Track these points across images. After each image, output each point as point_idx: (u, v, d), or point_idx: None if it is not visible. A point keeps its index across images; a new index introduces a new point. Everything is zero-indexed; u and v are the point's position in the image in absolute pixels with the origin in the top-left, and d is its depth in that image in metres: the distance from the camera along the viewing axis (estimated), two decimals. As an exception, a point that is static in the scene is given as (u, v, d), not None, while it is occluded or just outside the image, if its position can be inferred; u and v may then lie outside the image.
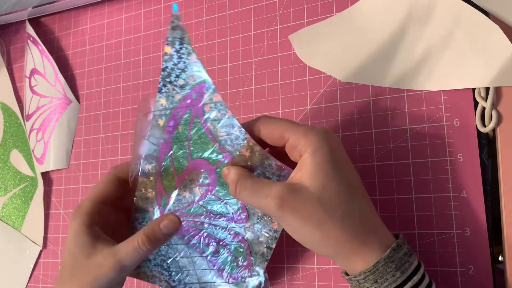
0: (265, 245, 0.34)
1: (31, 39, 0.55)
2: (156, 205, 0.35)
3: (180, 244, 0.36)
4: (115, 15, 0.52)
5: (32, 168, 0.54)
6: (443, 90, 0.35)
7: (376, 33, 0.38)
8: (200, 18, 0.46)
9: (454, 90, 0.35)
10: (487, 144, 0.34)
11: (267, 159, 0.31)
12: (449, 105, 0.35)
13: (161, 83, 0.34)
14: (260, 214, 0.34)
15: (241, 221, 0.34)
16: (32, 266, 0.51)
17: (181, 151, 0.34)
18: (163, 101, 0.34)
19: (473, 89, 0.34)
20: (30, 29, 0.55)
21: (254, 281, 0.35)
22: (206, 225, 0.35)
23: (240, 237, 0.35)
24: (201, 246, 0.36)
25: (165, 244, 0.36)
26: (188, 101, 0.33)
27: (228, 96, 0.43)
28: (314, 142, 0.28)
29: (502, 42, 0.33)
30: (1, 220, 0.54)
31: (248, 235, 0.35)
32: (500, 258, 0.33)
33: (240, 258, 0.35)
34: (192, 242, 0.36)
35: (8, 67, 0.58)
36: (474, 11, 0.34)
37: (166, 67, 0.33)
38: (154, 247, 0.33)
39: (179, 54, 0.32)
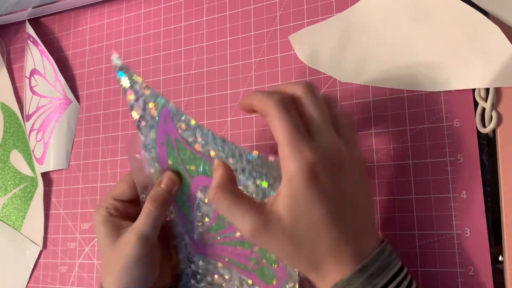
0: None
1: (31, 39, 0.55)
2: (185, 234, 0.37)
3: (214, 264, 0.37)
4: (115, 15, 0.52)
5: (32, 168, 0.54)
6: (443, 91, 0.35)
7: (376, 34, 0.38)
8: (200, 19, 0.46)
9: (454, 90, 0.35)
10: (487, 145, 0.34)
11: (261, 167, 0.32)
12: (449, 105, 0.35)
13: (136, 122, 0.35)
14: None
15: None
16: (32, 266, 0.51)
17: (181, 174, 0.35)
18: (143, 137, 0.35)
19: (473, 90, 0.34)
20: (30, 29, 0.55)
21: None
22: (228, 240, 0.35)
23: None
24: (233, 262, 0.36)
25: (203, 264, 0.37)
26: (162, 128, 0.34)
27: (228, 97, 0.43)
28: (293, 171, 0.27)
29: (502, 42, 0.33)
30: (1, 220, 0.54)
31: None
32: (500, 258, 0.33)
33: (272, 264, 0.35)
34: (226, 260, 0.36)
35: (8, 67, 0.58)
36: (474, 11, 0.34)
37: (132, 105, 0.35)
38: (163, 205, 0.34)
39: (135, 90, 0.34)
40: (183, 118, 0.34)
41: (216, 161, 0.31)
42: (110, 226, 0.35)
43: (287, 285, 0.35)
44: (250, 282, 0.36)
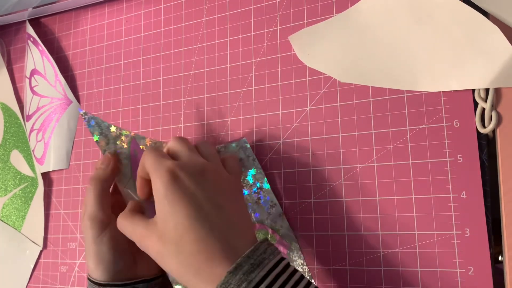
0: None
1: (32, 39, 0.55)
2: None
3: None
4: (115, 15, 0.52)
5: (32, 168, 0.54)
6: (443, 91, 0.35)
7: (376, 34, 0.38)
8: (200, 19, 0.46)
9: (454, 91, 0.35)
10: (487, 145, 0.34)
11: None
12: (449, 106, 0.35)
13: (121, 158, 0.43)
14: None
15: None
16: (32, 266, 0.51)
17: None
18: (122, 176, 0.43)
19: (473, 90, 0.34)
20: (30, 30, 0.55)
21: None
22: None
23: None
24: None
25: None
26: (134, 161, 0.41)
27: (228, 97, 0.43)
28: (154, 180, 0.31)
29: (502, 43, 0.33)
30: (1, 220, 0.55)
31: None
32: (500, 258, 0.33)
33: None
34: None
35: (8, 68, 0.59)
36: (473, 12, 0.34)
37: (105, 151, 0.42)
38: (99, 182, 0.39)
39: (104, 134, 0.42)
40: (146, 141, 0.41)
41: (130, 202, 0.36)
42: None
43: (292, 255, 0.37)
44: None
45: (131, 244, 0.38)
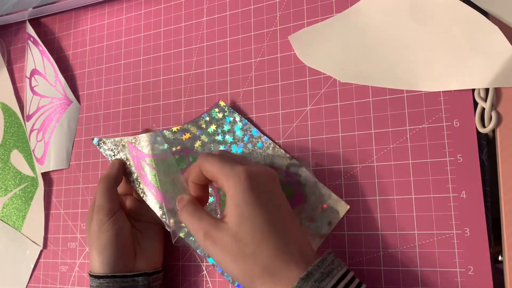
0: None
1: (32, 39, 0.55)
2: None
3: None
4: (115, 15, 0.52)
5: (33, 168, 0.54)
6: (443, 91, 0.35)
7: (376, 34, 0.38)
8: (200, 19, 0.46)
9: (454, 90, 0.35)
10: (487, 145, 0.34)
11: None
12: (449, 105, 0.35)
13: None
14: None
15: None
16: (32, 266, 0.51)
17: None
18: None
19: (473, 90, 0.34)
20: (30, 30, 0.55)
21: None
22: None
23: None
24: None
25: None
26: (134, 159, 0.44)
27: (228, 97, 0.43)
28: (232, 186, 0.31)
29: (502, 43, 0.33)
30: (2, 220, 0.55)
31: None
32: (500, 258, 0.33)
33: None
34: None
35: (9, 68, 0.59)
36: (473, 12, 0.34)
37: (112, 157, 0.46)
38: (108, 180, 0.41)
39: (110, 148, 0.46)
40: (141, 139, 0.43)
41: (178, 197, 0.36)
42: (90, 214, 0.41)
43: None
44: None
45: (132, 237, 0.40)
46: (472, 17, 0.34)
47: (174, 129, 0.43)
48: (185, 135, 0.43)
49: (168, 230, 0.40)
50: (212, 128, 0.42)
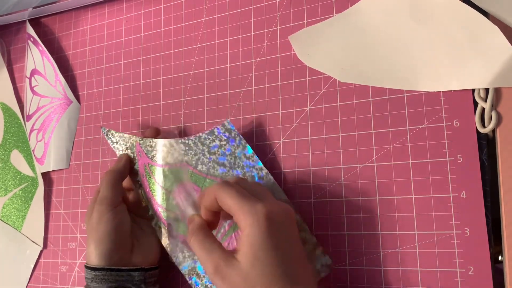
0: None
1: (32, 39, 0.55)
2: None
3: None
4: (115, 15, 0.52)
5: (33, 168, 0.54)
6: (443, 91, 0.35)
7: (376, 34, 0.38)
8: (200, 19, 0.46)
9: (454, 90, 0.35)
10: (487, 145, 0.34)
11: None
12: (449, 105, 0.35)
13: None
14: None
15: None
16: (32, 266, 0.51)
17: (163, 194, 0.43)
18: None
19: (473, 90, 0.34)
20: (30, 30, 0.55)
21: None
22: None
23: None
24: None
25: None
26: (140, 162, 0.44)
27: (228, 97, 0.43)
28: (250, 225, 0.30)
29: (502, 43, 0.33)
30: (2, 220, 0.55)
31: None
32: (500, 258, 0.33)
33: None
34: None
35: (9, 68, 0.59)
36: (473, 12, 0.34)
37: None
38: (112, 172, 0.41)
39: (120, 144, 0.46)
40: (147, 143, 0.43)
41: (189, 217, 0.36)
42: (91, 206, 0.40)
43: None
44: None
45: (131, 231, 0.40)
46: (472, 17, 0.34)
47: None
48: (186, 149, 0.42)
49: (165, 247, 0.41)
50: (215, 147, 0.41)
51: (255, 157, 0.39)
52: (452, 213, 0.34)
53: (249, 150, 0.39)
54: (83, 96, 0.52)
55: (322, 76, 0.40)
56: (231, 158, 0.40)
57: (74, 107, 0.52)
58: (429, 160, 0.35)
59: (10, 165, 0.56)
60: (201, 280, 0.40)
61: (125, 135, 0.45)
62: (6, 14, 0.56)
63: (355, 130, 0.38)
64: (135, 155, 0.44)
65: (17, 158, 0.55)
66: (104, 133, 0.46)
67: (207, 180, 0.40)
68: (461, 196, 0.34)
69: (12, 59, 0.59)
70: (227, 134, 0.40)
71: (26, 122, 0.55)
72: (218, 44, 0.45)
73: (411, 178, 0.35)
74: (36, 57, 0.54)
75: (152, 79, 0.48)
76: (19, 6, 0.55)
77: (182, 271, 0.41)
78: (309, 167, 0.39)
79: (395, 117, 0.37)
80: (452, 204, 0.34)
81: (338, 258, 0.37)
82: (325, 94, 0.39)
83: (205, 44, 0.46)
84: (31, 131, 0.54)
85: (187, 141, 0.41)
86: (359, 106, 0.38)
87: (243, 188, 0.33)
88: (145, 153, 0.43)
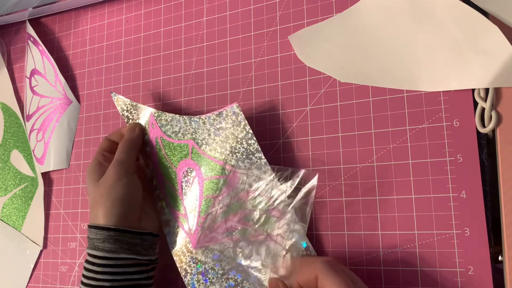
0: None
1: (32, 39, 0.55)
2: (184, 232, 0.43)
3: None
4: (115, 15, 0.52)
5: (33, 168, 0.54)
6: (442, 91, 0.35)
7: (376, 34, 0.38)
8: (200, 19, 0.46)
9: (454, 90, 0.35)
10: (487, 145, 0.34)
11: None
12: (449, 105, 0.35)
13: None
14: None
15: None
16: (32, 266, 0.51)
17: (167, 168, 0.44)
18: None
19: (473, 90, 0.34)
20: (30, 30, 0.55)
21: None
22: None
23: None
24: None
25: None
26: (151, 132, 0.44)
27: (228, 97, 0.43)
28: None
29: (501, 43, 0.33)
30: (2, 220, 0.55)
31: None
32: (500, 257, 0.33)
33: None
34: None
35: (9, 68, 0.59)
36: (473, 12, 0.34)
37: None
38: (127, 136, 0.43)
39: (130, 112, 0.46)
40: (163, 116, 0.43)
41: (271, 281, 0.35)
42: (99, 169, 0.41)
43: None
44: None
45: (141, 199, 0.41)
46: (472, 17, 0.34)
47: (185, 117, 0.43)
48: (195, 127, 0.42)
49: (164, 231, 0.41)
50: (220, 129, 0.41)
51: (256, 144, 0.39)
52: (452, 213, 0.34)
53: (251, 136, 0.39)
54: (83, 96, 0.52)
55: (322, 76, 0.40)
56: (233, 142, 0.40)
57: (74, 107, 0.52)
58: (429, 160, 0.35)
59: (10, 165, 0.56)
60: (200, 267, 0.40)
61: (139, 104, 0.45)
62: (6, 14, 0.56)
63: (355, 130, 0.38)
64: (147, 126, 0.44)
65: (17, 158, 0.55)
66: (114, 98, 0.46)
67: (207, 160, 0.41)
68: (461, 196, 0.34)
69: (12, 59, 0.59)
70: (233, 117, 0.40)
71: (26, 122, 0.55)
72: (218, 44, 0.45)
73: (411, 178, 0.35)
74: (36, 57, 0.54)
75: (152, 79, 0.48)
76: (19, 6, 0.55)
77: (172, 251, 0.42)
78: (309, 167, 0.39)
79: (395, 117, 0.37)
80: (452, 204, 0.34)
81: (338, 258, 0.37)
82: (325, 94, 0.39)
83: (205, 44, 0.46)
84: (31, 131, 0.54)
85: (198, 120, 0.41)
86: (359, 106, 0.38)
87: (349, 279, 0.31)
88: (159, 126, 0.43)
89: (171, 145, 0.43)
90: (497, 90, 0.34)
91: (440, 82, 0.35)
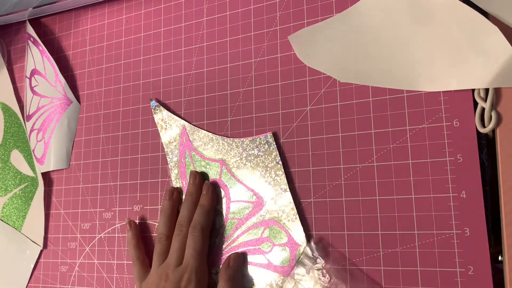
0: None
1: (32, 39, 0.55)
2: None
3: None
4: (115, 15, 0.52)
5: (33, 168, 0.54)
6: (442, 91, 0.35)
7: (376, 34, 0.38)
8: (200, 19, 0.46)
9: (454, 91, 0.35)
10: (487, 145, 0.34)
11: None
12: (449, 105, 0.35)
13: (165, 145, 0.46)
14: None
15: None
16: (32, 266, 0.51)
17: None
18: (169, 159, 0.46)
19: (473, 90, 0.34)
20: (30, 30, 0.55)
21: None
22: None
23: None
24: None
25: None
26: (183, 145, 0.45)
27: (228, 97, 0.43)
28: None
29: (501, 43, 0.33)
30: (2, 220, 0.55)
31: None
32: (500, 258, 0.33)
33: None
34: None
35: (9, 68, 0.59)
36: (473, 12, 0.34)
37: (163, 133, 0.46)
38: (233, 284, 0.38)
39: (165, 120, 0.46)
40: (196, 132, 0.44)
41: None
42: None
43: (300, 250, 0.38)
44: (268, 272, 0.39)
45: None
46: (472, 17, 0.34)
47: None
48: (228, 148, 0.42)
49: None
50: (252, 156, 0.41)
51: (283, 176, 0.39)
52: (452, 213, 0.34)
53: (280, 168, 0.40)
54: (83, 96, 0.52)
55: (322, 76, 0.40)
56: (262, 170, 0.40)
57: (74, 107, 0.52)
58: (429, 160, 0.35)
59: (10, 165, 0.56)
60: None
61: (174, 116, 0.45)
62: (6, 14, 0.56)
63: (355, 130, 0.38)
64: (178, 137, 0.44)
65: (17, 158, 0.55)
66: (153, 106, 0.47)
67: (237, 183, 0.41)
68: (461, 196, 0.34)
69: (12, 59, 0.59)
70: (266, 146, 0.40)
71: (26, 122, 0.55)
72: (218, 44, 0.45)
73: (411, 178, 0.35)
74: (36, 57, 0.54)
75: (152, 79, 0.48)
76: (19, 6, 0.55)
77: None
78: (309, 167, 0.39)
79: (395, 117, 0.37)
80: (452, 204, 0.34)
81: (338, 258, 0.37)
82: (325, 94, 0.39)
83: (205, 44, 0.46)
84: (31, 131, 0.54)
85: (231, 142, 0.42)
86: (359, 106, 0.38)
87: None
88: (190, 141, 0.44)
89: (202, 162, 0.43)
90: (497, 90, 0.34)
91: (440, 82, 0.35)
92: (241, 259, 0.39)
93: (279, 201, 0.39)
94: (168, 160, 0.45)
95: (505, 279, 0.32)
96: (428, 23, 0.36)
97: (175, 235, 0.40)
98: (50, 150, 0.52)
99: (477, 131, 0.34)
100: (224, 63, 0.44)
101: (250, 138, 0.41)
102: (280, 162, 0.40)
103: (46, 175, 0.53)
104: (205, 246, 0.39)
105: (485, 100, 0.34)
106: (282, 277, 0.38)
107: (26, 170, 0.54)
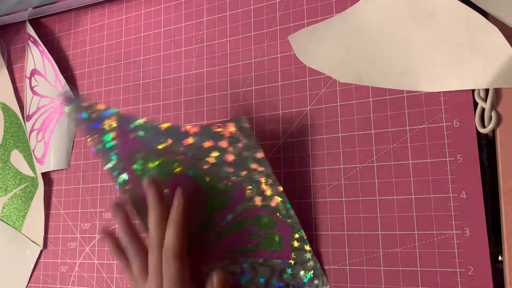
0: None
1: (32, 39, 0.55)
2: None
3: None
4: (116, 15, 0.52)
5: (33, 168, 0.54)
6: (442, 91, 0.35)
7: (376, 34, 0.38)
8: (200, 19, 0.46)
9: (454, 91, 0.35)
10: (487, 145, 0.34)
11: None
12: (449, 106, 0.35)
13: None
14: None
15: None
16: (32, 266, 0.51)
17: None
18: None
19: (473, 90, 0.34)
20: (30, 30, 0.55)
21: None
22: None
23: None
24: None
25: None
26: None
27: (228, 97, 0.43)
28: None
29: (501, 43, 0.33)
30: (2, 220, 0.55)
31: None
32: (500, 258, 0.33)
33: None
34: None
35: (9, 68, 0.59)
36: (473, 12, 0.34)
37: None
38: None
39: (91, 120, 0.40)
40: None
41: None
42: None
43: (295, 236, 0.37)
44: (261, 260, 0.38)
45: None
46: (471, 17, 0.34)
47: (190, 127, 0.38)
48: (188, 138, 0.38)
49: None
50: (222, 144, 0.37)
51: (266, 162, 0.37)
52: (452, 213, 0.34)
53: (260, 152, 0.37)
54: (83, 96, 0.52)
55: (322, 76, 0.40)
56: (238, 159, 0.37)
57: (74, 107, 0.52)
58: (429, 160, 0.35)
59: (10, 165, 0.56)
60: None
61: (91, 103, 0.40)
62: (6, 14, 0.56)
63: (355, 131, 0.38)
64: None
65: (17, 158, 0.55)
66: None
67: (208, 179, 0.38)
68: (461, 196, 0.34)
69: (12, 59, 0.59)
70: (239, 132, 0.37)
71: (26, 122, 0.55)
72: (218, 44, 0.45)
73: (411, 178, 0.35)
74: (36, 57, 0.54)
75: (153, 79, 0.48)
76: (19, 6, 0.55)
77: None
78: (309, 167, 0.39)
79: (395, 117, 0.37)
80: (452, 204, 0.34)
81: (338, 258, 0.37)
82: (325, 94, 0.39)
83: (205, 44, 0.46)
84: (31, 131, 0.54)
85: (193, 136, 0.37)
86: (359, 106, 0.38)
87: None
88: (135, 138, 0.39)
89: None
90: (497, 90, 0.34)
91: (440, 82, 0.35)
92: (227, 281, 0.36)
93: (259, 187, 0.37)
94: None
95: (505, 279, 0.32)
96: (428, 23, 0.36)
97: (150, 255, 0.36)
98: (50, 150, 0.52)
99: (477, 131, 0.34)
100: (224, 63, 0.44)
101: (218, 123, 0.37)
102: (259, 146, 0.37)
103: (46, 175, 0.52)
104: (183, 269, 0.35)
105: (485, 101, 0.34)
106: (279, 261, 0.37)
107: (26, 170, 0.54)
